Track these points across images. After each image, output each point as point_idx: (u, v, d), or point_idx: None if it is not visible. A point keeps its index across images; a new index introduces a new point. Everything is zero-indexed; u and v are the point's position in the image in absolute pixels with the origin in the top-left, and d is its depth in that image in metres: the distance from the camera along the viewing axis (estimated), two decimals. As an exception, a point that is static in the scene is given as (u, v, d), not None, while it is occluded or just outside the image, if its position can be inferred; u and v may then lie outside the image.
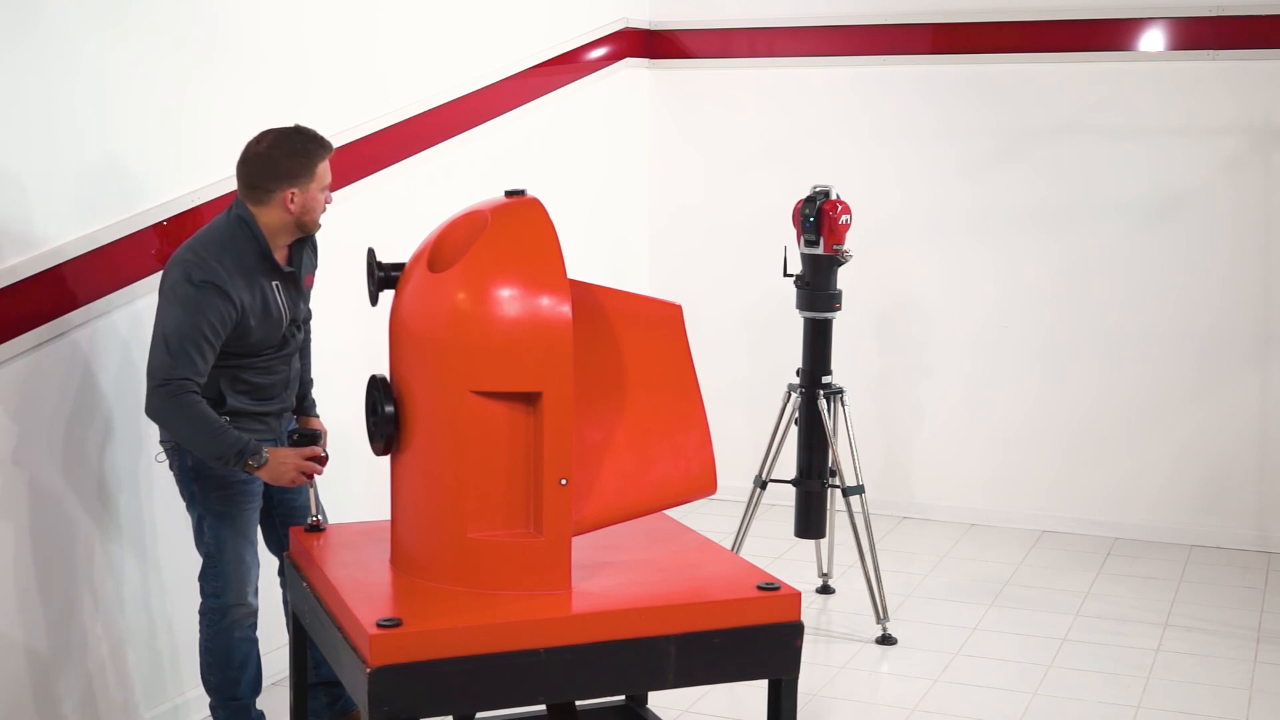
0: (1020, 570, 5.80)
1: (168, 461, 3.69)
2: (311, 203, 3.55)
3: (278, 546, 3.87)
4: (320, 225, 3.65)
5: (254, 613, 3.74)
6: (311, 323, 3.87)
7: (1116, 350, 6.25)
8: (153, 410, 3.47)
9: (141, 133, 3.91)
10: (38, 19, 3.57)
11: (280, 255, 3.61)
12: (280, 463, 3.50)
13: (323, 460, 3.58)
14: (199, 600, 3.74)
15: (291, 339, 3.70)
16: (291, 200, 3.52)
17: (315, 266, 3.79)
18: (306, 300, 3.76)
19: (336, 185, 3.87)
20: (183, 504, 3.73)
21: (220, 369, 3.53)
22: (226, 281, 3.45)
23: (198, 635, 3.76)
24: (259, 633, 3.80)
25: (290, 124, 3.59)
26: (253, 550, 3.72)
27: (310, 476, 3.56)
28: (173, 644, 4.10)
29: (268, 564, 3.90)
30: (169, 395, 3.40)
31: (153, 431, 3.92)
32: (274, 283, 3.58)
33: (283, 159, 3.50)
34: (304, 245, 3.68)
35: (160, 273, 3.62)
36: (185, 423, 3.43)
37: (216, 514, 3.63)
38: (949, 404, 6.54)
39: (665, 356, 3.17)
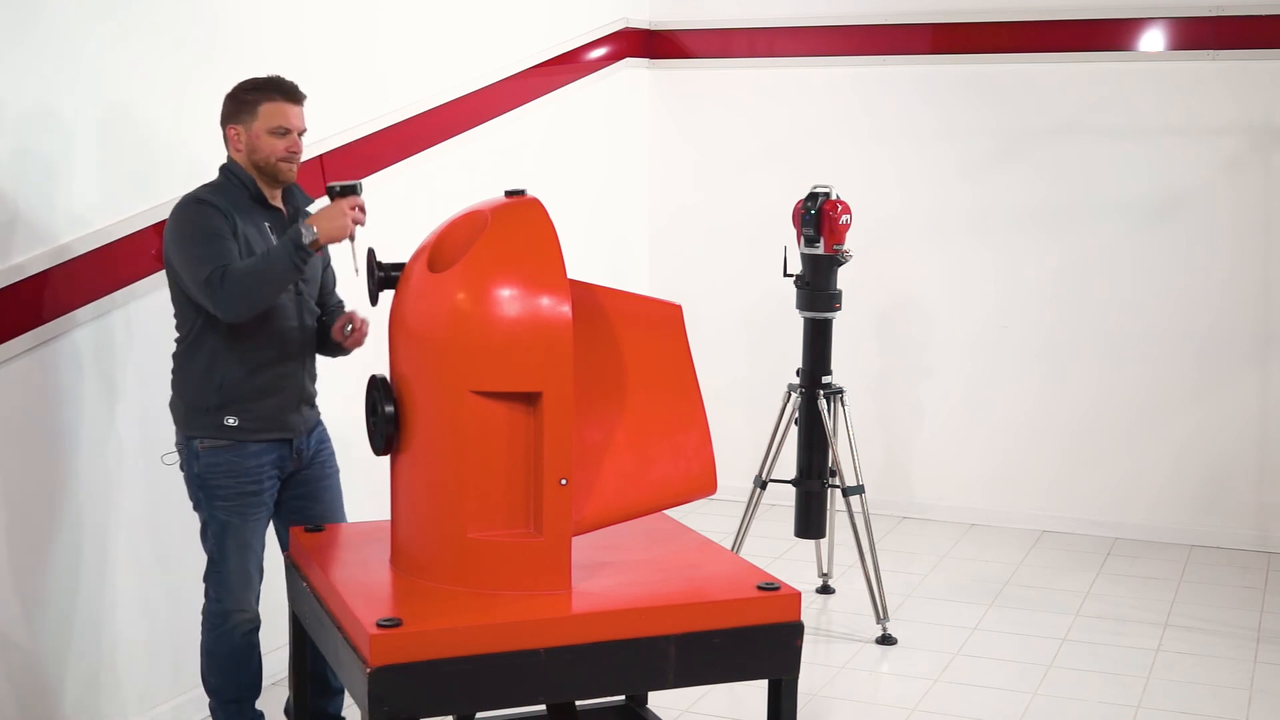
0: (1020, 570, 5.80)
1: (178, 462, 3.66)
2: (257, 142, 3.54)
3: None
4: (288, 173, 3.60)
5: (255, 618, 3.71)
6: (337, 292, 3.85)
7: (1116, 350, 6.25)
8: (222, 305, 3.41)
9: (141, 133, 3.91)
10: (38, 19, 3.57)
11: (273, 199, 3.64)
12: (329, 217, 3.43)
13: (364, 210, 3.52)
14: (201, 601, 3.71)
15: (302, 295, 3.64)
16: (237, 138, 3.56)
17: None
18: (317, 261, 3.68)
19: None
20: (185, 505, 3.71)
21: (220, 340, 3.51)
22: (221, 204, 3.50)
23: (200, 637, 3.73)
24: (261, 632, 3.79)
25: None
26: (255, 560, 3.68)
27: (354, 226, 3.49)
28: (173, 645, 4.09)
29: (276, 570, 3.88)
30: (221, 284, 3.38)
31: (154, 431, 3.92)
32: (265, 223, 3.60)
33: (230, 100, 3.58)
34: (293, 197, 3.69)
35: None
36: (248, 283, 3.39)
37: (220, 523, 3.60)
38: (949, 404, 6.54)
39: (665, 356, 3.17)
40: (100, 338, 3.81)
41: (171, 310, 3.62)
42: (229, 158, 3.61)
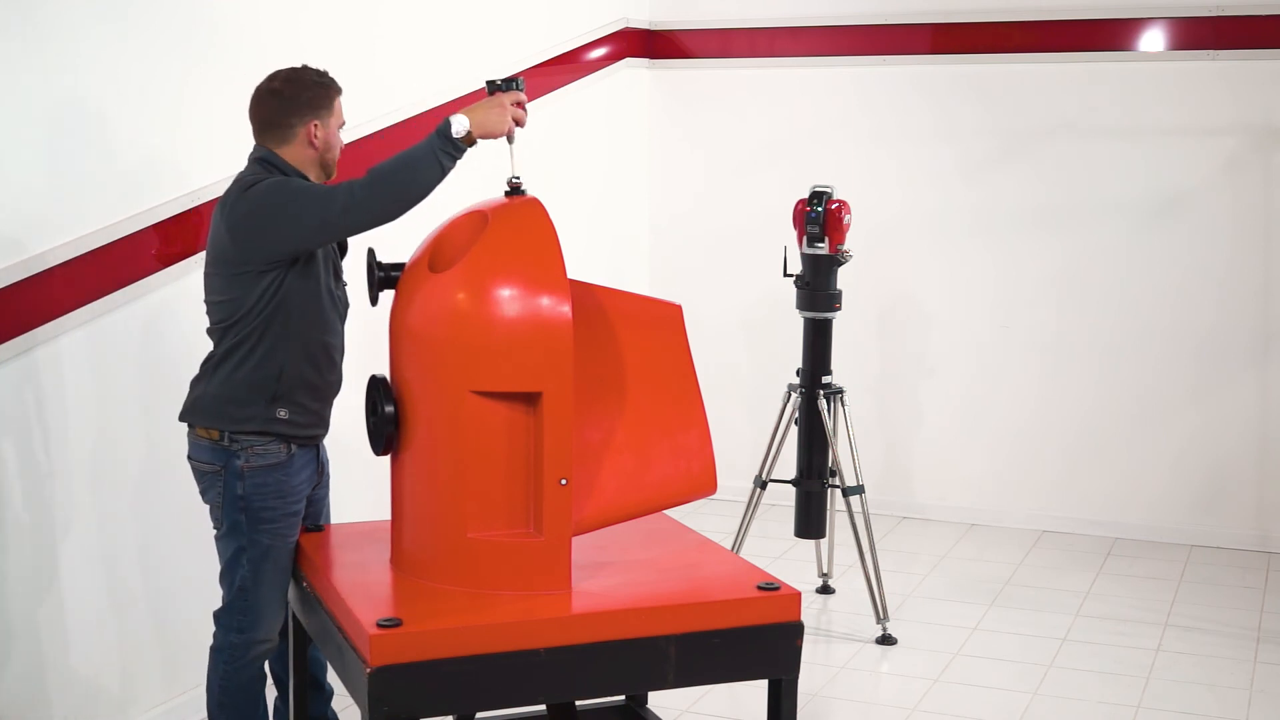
0: (1020, 570, 5.80)
1: (208, 486, 3.39)
2: (333, 139, 3.40)
3: None
4: (334, 169, 3.47)
5: (276, 644, 3.45)
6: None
7: (1116, 350, 6.25)
8: (369, 214, 3.16)
9: (141, 133, 3.91)
10: (37, 18, 3.57)
11: None
12: (488, 107, 3.17)
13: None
14: (205, 621, 3.52)
15: (339, 293, 3.46)
16: (315, 133, 3.35)
17: None
18: (341, 254, 3.54)
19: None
20: (181, 506, 3.69)
21: (284, 328, 3.29)
22: None
23: (206, 676, 3.47)
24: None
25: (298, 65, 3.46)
26: (287, 584, 3.41)
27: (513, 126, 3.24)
28: (170, 646, 4.09)
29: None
30: (361, 193, 3.14)
31: (155, 432, 3.92)
32: None
33: (303, 90, 3.35)
34: None
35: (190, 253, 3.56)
36: (396, 179, 3.14)
37: (264, 548, 3.33)
38: (949, 404, 6.54)
39: (665, 356, 3.17)
40: (100, 338, 3.80)
41: (163, 320, 3.61)
42: (273, 154, 3.34)
